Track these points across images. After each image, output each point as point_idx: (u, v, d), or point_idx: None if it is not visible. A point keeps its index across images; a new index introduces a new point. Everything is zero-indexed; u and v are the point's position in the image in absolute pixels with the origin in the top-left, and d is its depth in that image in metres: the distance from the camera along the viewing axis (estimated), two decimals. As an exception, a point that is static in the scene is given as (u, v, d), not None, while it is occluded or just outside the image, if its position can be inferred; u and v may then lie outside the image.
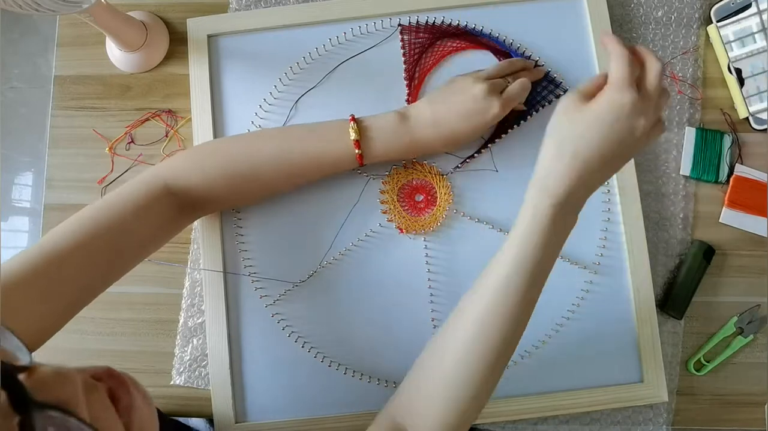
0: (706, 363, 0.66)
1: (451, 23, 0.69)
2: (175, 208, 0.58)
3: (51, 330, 0.48)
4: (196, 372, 0.66)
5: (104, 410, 0.30)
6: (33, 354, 0.28)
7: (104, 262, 0.52)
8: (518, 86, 0.61)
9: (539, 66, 0.68)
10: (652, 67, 0.45)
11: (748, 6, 0.68)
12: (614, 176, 0.66)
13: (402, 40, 0.69)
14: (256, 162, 0.59)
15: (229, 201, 0.64)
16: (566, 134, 0.46)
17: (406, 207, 0.67)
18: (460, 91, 0.59)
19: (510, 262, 0.47)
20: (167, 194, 0.57)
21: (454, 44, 0.69)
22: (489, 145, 0.67)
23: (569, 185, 0.45)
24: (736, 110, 0.69)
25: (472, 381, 0.48)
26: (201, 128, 0.68)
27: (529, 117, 0.68)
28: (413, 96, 0.68)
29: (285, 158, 0.59)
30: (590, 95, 0.46)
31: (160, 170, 0.58)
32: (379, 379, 0.64)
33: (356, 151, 0.58)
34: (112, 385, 0.32)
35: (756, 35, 0.68)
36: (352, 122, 0.59)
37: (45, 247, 0.48)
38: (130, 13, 0.71)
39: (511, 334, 0.48)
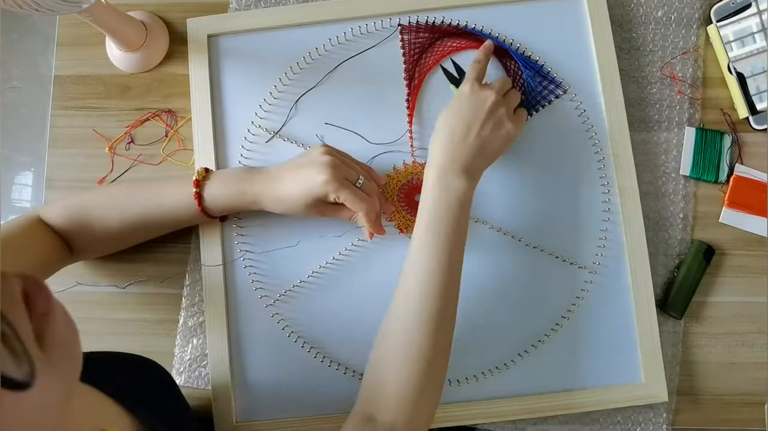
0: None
1: (451, 23, 0.69)
2: (49, 233, 0.59)
3: None
4: (196, 372, 0.66)
5: (11, 304, 0.28)
6: None
7: None
8: (365, 184, 0.59)
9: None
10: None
11: (748, 6, 0.68)
12: (614, 176, 0.67)
13: (402, 40, 0.69)
14: (104, 209, 0.60)
15: (84, 245, 0.62)
16: (435, 125, 0.60)
17: (406, 207, 0.67)
18: (308, 155, 0.59)
19: (419, 232, 0.55)
20: (39, 221, 0.60)
21: (454, 44, 0.69)
22: (489, 145, 0.67)
23: (442, 155, 0.57)
24: (736, 110, 0.69)
25: (418, 344, 0.52)
26: (201, 128, 0.68)
27: (528, 117, 0.68)
28: (413, 96, 0.68)
29: (129, 205, 0.60)
30: None
31: (38, 209, 0.61)
32: (379, 379, 0.64)
33: (194, 190, 0.59)
34: (29, 287, 0.29)
35: (756, 35, 0.68)
36: (201, 169, 0.62)
37: None
38: (130, 13, 0.71)
39: (438, 292, 0.53)
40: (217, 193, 0.60)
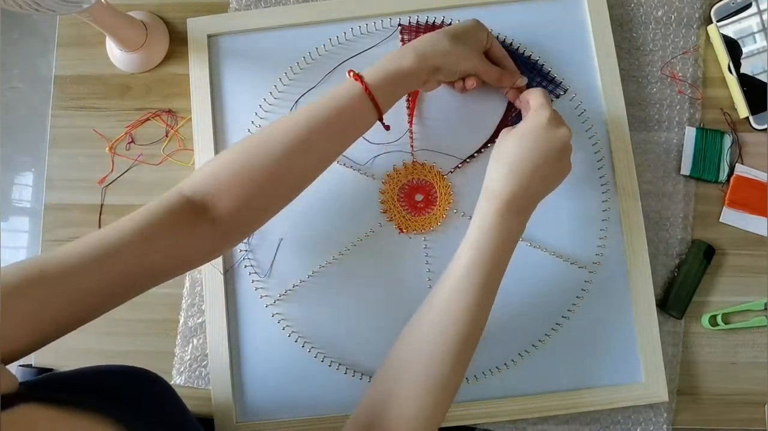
0: (720, 323, 0.66)
1: (451, 23, 0.69)
2: (193, 216, 0.52)
3: (38, 343, 0.44)
4: (196, 372, 0.66)
5: None
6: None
7: (110, 285, 0.47)
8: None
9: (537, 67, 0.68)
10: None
11: (748, 6, 0.68)
12: (614, 176, 0.67)
13: (402, 40, 0.69)
14: (270, 143, 0.54)
15: (251, 199, 0.54)
16: (503, 150, 0.55)
17: (406, 207, 0.67)
18: None
19: (466, 262, 0.52)
20: (184, 202, 0.52)
21: (454, 44, 0.69)
22: (489, 144, 0.67)
23: (509, 189, 0.53)
24: (736, 109, 0.69)
25: (440, 368, 0.51)
26: (201, 128, 0.68)
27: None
28: (413, 96, 0.68)
29: (295, 127, 0.54)
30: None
31: (179, 184, 0.53)
32: (379, 379, 0.64)
33: (357, 83, 0.55)
34: None
35: (756, 35, 0.68)
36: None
37: (46, 261, 0.44)
38: (130, 13, 0.71)
39: (472, 324, 0.52)
40: (375, 70, 0.56)
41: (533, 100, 0.57)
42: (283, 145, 0.53)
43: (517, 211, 0.54)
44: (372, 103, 0.55)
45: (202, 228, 0.52)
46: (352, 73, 0.56)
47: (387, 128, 0.59)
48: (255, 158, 0.53)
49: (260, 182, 0.53)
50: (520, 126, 0.56)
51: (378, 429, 0.49)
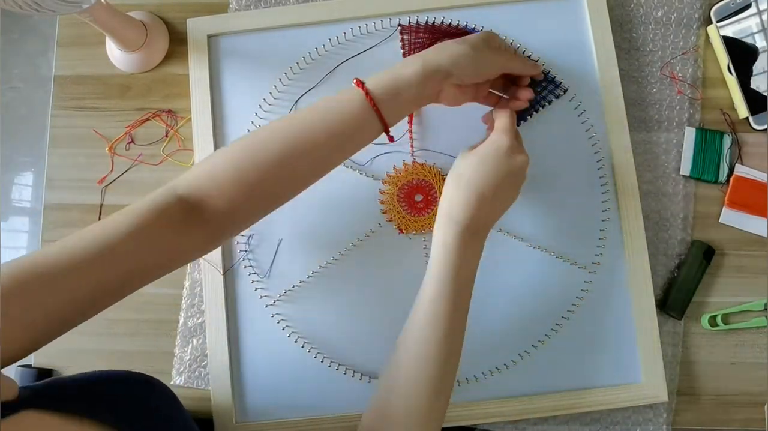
0: (720, 323, 0.66)
1: (451, 23, 0.69)
2: (187, 215, 0.51)
3: (35, 344, 0.44)
4: (196, 372, 0.66)
5: None
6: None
7: (103, 284, 0.46)
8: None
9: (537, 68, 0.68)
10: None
11: (748, 6, 0.68)
12: (614, 176, 0.67)
13: (402, 40, 0.69)
14: (268, 145, 0.52)
15: (246, 201, 0.53)
16: (462, 171, 0.56)
17: (406, 207, 0.67)
18: None
19: (432, 295, 0.53)
20: (178, 201, 0.51)
21: (454, 44, 0.69)
22: (489, 145, 0.67)
23: (470, 212, 0.54)
24: (736, 110, 0.69)
25: (425, 394, 0.52)
26: (201, 128, 0.68)
27: (528, 117, 0.68)
28: (413, 96, 0.68)
29: (295, 129, 0.53)
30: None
31: (174, 181, 0.52)
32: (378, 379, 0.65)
33: (361, 90, 0.52)
34: None
35: (756, 35, 0.68)
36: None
37: (38, 260, 0.43)
38: (130, 13, 0.71)
39: (447, 345, 0.53)
40: (379, 78, 0.53)
41: (499, 121, 0.58)
42: (281, 149, 0.52)
43: (479, 235, 0.55)
44: (376, 113, 0.52)
45: (194, 228, 0.51)
46: (355, 80, 0.53)
47: (391, 139, 0.56)
48: (252, 160, 0.52)
49: (256, 185, 0.52)
50: (481, 149, 0.56)
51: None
